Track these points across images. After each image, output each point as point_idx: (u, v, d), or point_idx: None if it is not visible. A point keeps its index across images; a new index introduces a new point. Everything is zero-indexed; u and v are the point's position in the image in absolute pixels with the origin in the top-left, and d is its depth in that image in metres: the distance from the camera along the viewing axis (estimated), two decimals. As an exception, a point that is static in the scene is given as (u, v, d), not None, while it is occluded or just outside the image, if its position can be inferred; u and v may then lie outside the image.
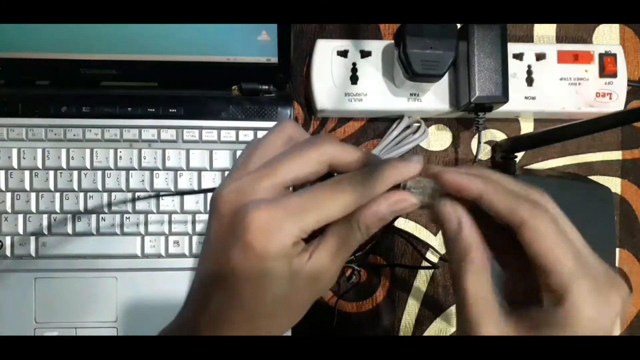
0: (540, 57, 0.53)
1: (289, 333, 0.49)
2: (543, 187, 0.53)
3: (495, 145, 0.55)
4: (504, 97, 0.48)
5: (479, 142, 0.52)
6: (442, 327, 0.54)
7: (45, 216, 0.48)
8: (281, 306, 0.27)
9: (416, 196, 0.27)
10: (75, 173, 0.49)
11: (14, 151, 0.49)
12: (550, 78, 0.52)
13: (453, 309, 0.54)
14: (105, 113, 0.49)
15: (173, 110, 0.50)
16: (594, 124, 0.43)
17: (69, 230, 0.48)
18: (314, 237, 0.27)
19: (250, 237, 0.24)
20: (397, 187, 0.27)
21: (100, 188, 0.49)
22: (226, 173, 0.50)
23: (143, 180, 0.49)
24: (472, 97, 0.48)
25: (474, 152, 0.55)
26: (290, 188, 0.28)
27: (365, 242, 0.53)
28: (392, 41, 0.49)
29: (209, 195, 0.49)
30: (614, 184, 0.56)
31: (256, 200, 0.25)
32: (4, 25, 0.45)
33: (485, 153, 0.55)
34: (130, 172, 0.49)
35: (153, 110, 0.50)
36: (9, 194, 0.48)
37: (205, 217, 0.49)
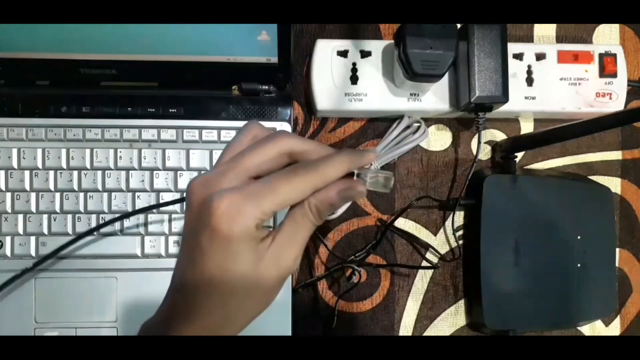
0: (540, 57, 0.53)
1: (289, 333, 0.49)
2: (543, 187, 0.53)
3: (495, 145, 0.55)
4: (504, 97, 0.48)
5: (479, 142, 0.52)
6: (442, 327, 0.54)
7: (45, 216, 0.48)
8: (250, 289, 0.29)
9: (365, 184, 0.30)
10: (75, 173, 0.49)
11: (14, 151, 0.49)
12: (550, 78, 0.52)
13: (453, 308, 0.54)
14: (105, 113, 0.49)
15: (173, 110, 0.50)
16: (594, 124, 0.43)
17: (69, 230, 0.48)
18: None
19: (216, 222, 0.27)
20: (350, 175, 0.30)
21: (100, 188, 0.49)
22: (226, 173, 0.50)
23: (143, 180, 0.49)
24: (472, 97, 0.48)
25: (474, 152, 0.55)
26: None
27: (366, 242, 0.53)
28: (392, 41, 0.49)
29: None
30: (614, 184, 0.56)
31: (220, 189, 0.28)
32: (4, 25, 0.45)
33: (485, 153, 0.55)
34: (130, 172, 0.49)
35: (153, 110, 0.50)
36: (9, 194, 0.48)
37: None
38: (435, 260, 0.54)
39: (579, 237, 0.52)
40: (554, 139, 0.48)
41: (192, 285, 0.29)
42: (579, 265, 0.52)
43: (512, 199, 0.51)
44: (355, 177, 0.30)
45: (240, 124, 0.50)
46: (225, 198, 0.27)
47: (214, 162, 0.49)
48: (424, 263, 0.53)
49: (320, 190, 0.29)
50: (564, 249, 0.52)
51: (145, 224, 0.49)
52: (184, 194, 0.31)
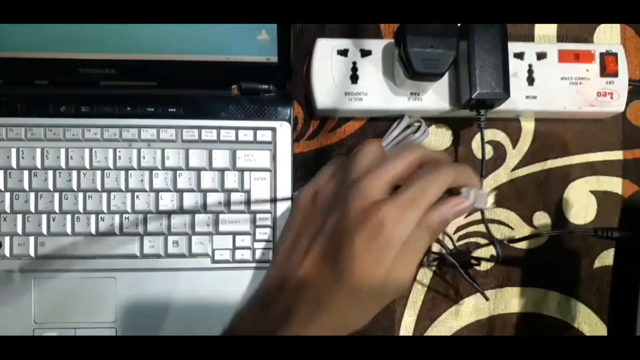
0: (541, 56, 0.52)
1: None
2: None
3: None
4: (506, 94, 0.48)
5: (482, 139, 0.51)
6: (442, 328, 0.54)
7: (44, 216, 0.48)
8: (380, 292, 0.32)
9: (470, 201, 0.33)
10: (74, 173, 0.49)
11: (13, 151, 0.48)
12: (551, 77, 0.52)
13: (453, 309, 0.54)
14: (105, 113, 0.49)
15: (172, 110, 0.50)
16: None
17: (68, 230, 0.48)
18: None
19: (385, 226, 0.31)
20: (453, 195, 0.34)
21: (99, 188, 0.49)
22: (225, 173, 0.49)
23: (142, 180, 0.49)
24: (473, 93, 0.47)
25: (474, 151, 0.54)
26: None
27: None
28: (393, 40, 0.49)
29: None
30: (615, 184, 0.56)
31: (383, 199, 0.32)
32: (3, 25, 0.44)
33: (486, 152, 0.55)
34: (130, 172, 0.49)
35: (152, 109, 0.49)
36: (7, 194, 0.48)
37: (204, 217, 0.49)
38: (434, 260, 0.54)
39: None
40: None
41: (330, 282, 0.32)
42: None
43: None
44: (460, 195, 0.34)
45: (239, 123, 0.50)
46: (393, 206, 0.31)
47: (213, 161, 0.49)
48: (424, 262, 0.53)
49: (432, 208, 0.32)
50: None
51: (145, 224, 0.49)
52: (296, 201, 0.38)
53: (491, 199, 0.34)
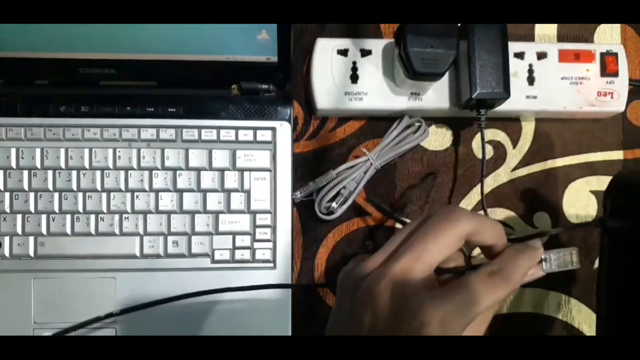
0: (541, 56, 0.52)
1: (289, 333, 0.49)
2: None
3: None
4: (506, 93, 0.48)
5: (483, 139, 0.51)
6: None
7: (44, 216, 0.48)
8: None
9: (551, 268, 0.31)
10: (74, 173, 0.49)
11: (13, 151, 0.48)
12: (552, 77, 0.52)
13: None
14: (104, 112, 0.49)
15: (172, 110, 0.50)
16: None
17: (68, 230, 0.48)
18: None
19: (429, 333, 0.27)
20: None
21: (99, 188, 0.48)
22: (225, 173, 0.49)
23: (142, 180, 0.49)
24: (473, 93, 0.47)
25: (474, 151, 0.54)
26: None
27: (365, 242, 0.53)
28: (393, 40, 0.49)
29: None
30: (616, 183, 0.56)
31: (425, 294, 0.27)
32: (3, 25, 0.44)
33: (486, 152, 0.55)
34: (129, 171, 0.49)
35: (152, 109, 0.49)
36: (7, 194, 0.48)
37: (204, 217, 0.49)
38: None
39: None
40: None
41: None
42: None
43: None
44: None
45: (239, 123, 0.50)
46: (438, 311, 0.27)
47: (213, 161, 0.49)
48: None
49: None
50: None
51: (144, 224, 0.49)
52: (345, 285, 0.31)
53: (576, 257, 0.31)
